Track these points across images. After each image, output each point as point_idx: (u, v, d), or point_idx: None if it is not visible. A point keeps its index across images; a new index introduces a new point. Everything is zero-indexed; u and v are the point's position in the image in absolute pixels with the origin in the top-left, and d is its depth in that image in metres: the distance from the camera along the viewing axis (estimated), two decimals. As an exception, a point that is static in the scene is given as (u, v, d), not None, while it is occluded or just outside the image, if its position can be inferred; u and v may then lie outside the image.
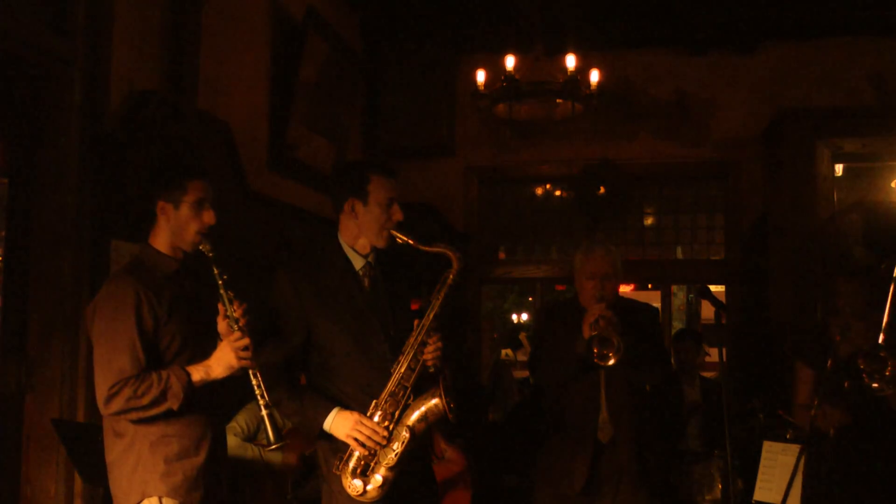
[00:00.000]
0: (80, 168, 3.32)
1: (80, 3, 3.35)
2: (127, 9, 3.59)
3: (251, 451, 3.88)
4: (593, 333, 3.19)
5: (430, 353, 2.64)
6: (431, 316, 2.65)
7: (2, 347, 3.26)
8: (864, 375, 2.97)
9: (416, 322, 2.67)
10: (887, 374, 2.94)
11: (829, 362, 3.22)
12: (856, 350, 3.06)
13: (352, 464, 2.62)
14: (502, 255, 7.21)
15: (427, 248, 2.69)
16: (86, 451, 2.94)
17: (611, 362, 3.17)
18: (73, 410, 3.26)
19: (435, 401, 2.62)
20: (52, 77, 3.33)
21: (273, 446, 2.53)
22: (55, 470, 3.24)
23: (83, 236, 3.32)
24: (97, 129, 3.38)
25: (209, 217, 2.59)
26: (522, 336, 10.05)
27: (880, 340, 2.97)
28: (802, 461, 3.27)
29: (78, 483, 3.25)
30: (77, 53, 3.34)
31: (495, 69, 5.03)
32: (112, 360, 2.42)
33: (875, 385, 2.96)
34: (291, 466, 3.89)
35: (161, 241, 2.59)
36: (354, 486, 2.60)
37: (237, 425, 3.90)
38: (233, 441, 3.64)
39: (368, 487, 2.60)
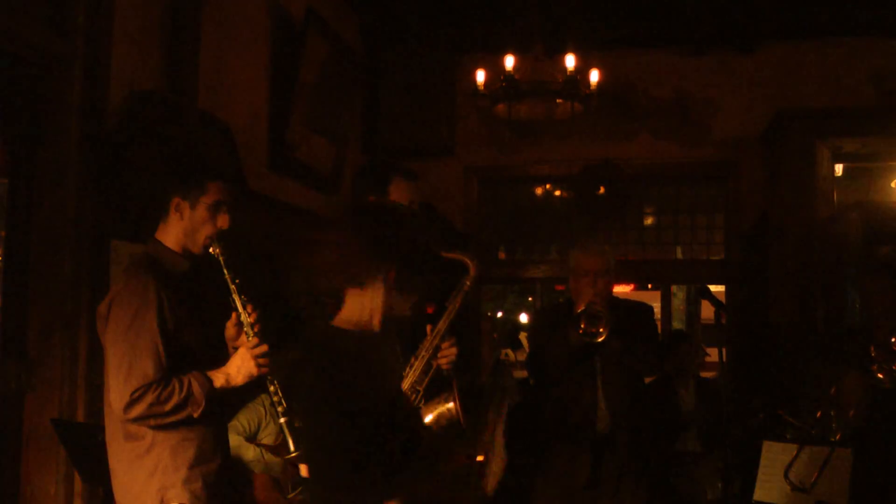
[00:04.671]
0: (79, 168, 3.32)
1: (80, 3, 3.35)
2: (127, 9, 3.58)
3: (252, 450, 3.87)
4: (582, 309, 3.25)
5: (444, 358, 2.65)
6: (447, 321, 2.66)
7: (2, 347, 3.26)
8: (873, 366, 2.97)
9: (429, 327, 2.67)
10: (895, 368, 2.94)
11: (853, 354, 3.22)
12: (871, 338, 3.06)
13: None
14: (502, 255, 7.21)
15: (444, 254, 2.70)
16: (86, 451, 2.93)
17: (600, 339, 3.22)
18: (73, 410, 3.25)
19: (449, 405, 2.62)
20: (52, 77, 3.32)
21: (293, 454, 2.46)
22: (55, 470, 3.23)
23: (83, 236, 3.31)
24: (97, 129, 3.38)
25: (224, 221, 2.52)
26: (522, 336, 10.03)
27: (893, 339, 2.97)
28: (849, 459, 3.26)
29: (78, 483, 3.24)
30: (77, 53, 3.34)
31: (495, 69, 5.03)
32: (134, 363, 2.31)
33: (880, 375, 2.96)
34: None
35: (171, 238, 2.51)
36: None
37: (238, 424, 3.89)
38: (234, 440, 3.64)
39: None
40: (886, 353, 2.95)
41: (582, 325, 3.24)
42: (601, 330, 3.23)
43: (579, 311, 3.27)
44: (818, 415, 3.88)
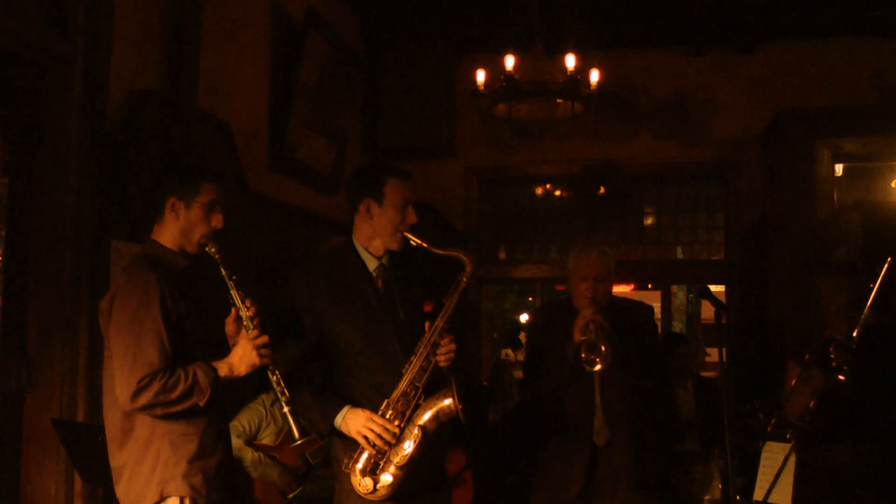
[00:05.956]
0: (80, 168, 3.32)
1: (80, 3, 3.35)
2: (127, 9, 3.59)
3: (252, 451, 3.88)
4: (582, 338, 3.21)
5: (442, 355, 2.67)
6: (445, 318, 2.68)
7: (2, 347, 3.26)
8: (832, 365, 2.95)
9: (427, 324, 2.69)
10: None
11: (807, 356, 3.20)
12: (830, 339, 3.03)
13: (361, 462, 2.64)
14: (502, 255, 7.21)
15: (440, 252, 2.72)
16: (86, 451, 2.94)
17: (597, 368, 3.19)
18: (73, 410, 3.26)
19: (447, 401, 2.64)
20: (52, 77, 3.33)
21: (299, 442, 2.51)
22: (55, 470, 3.24)
23: (83, 236, 3.32)
24: (97, 129, 3.38)
25: (217, 221, 2.57)
26: (522, 336, 10.04)
27: (855, 334, 2.95)
28: (793, 458, 3.28)
29: (78, 483, 3.25)
30: (77, 53, 3.34)
31: (495, 69, 5.03)
32: (139, 352, 2.34)
33: (841, 377, 2.94)
34: (292, 467, 3.90)
35: (167, 237, 2.55)
36: (364, 484, 2.62)
37: (238, 425, 3.90)
38: (234, 441, 3.64)
39: (378, 486, 2.62)
40: (847, 354, 2.93)
41: (582, 355, 3.22)
42: (598, 360, 3.20)
43: (580, 340, 3.24)
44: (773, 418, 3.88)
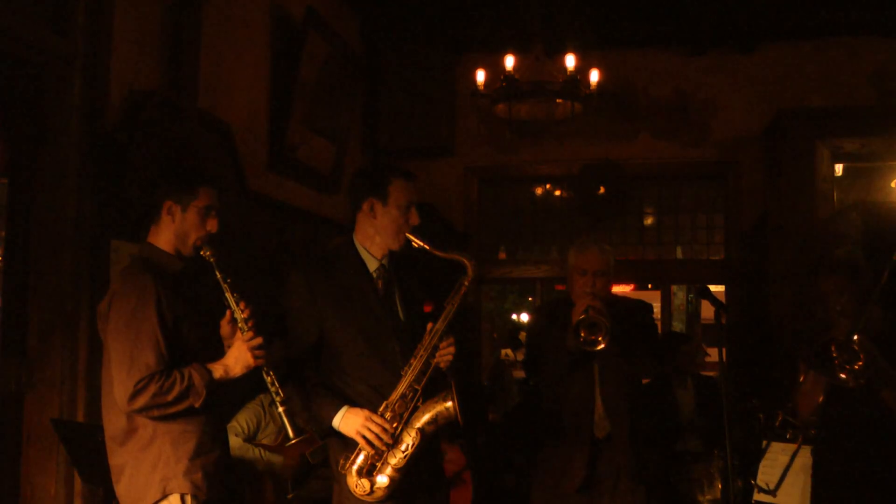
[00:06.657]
0: (80, 168, 3.32)
1: (80, 3, 3.35)
2: (127, 9, 3.58)
3: (252, 451, 3.88)
4: (581, 317, 3.20)
5: (443, 357, 2.67)
6: (446, 321, 2.68)
7: (2, 347, 3.26)
8: (835, 364, 2.93)
9: (429, 325, 2.69)
10: (857, 367, 2.90)
11: (813, 357, 3.18)
12: (831, 338, 3.02)
13: (358, 463, 2.64)
14: (502, 255, 7.21)
15: (442, 254, 2.72)
16: (86, 451, 2.94)
17: (599, 347, 3.17)
18: (73, 410, 3.26)
19: (447, 404, 2.64)
20: (52, 77, 3.32)
21: (293, 441, 2.54)
22: (55, 470, 3.24)
23: (83, 236, 3.32)
24: (97, 129, 3.38)
25: (213, 225, 2.61)
26: (522, 336, 10.05)
27: (855, 336, 2.94)
28: (809, 461, 3.27)
29: (78, 483, 3.24)
30: (77, 53, 3.34)
31: (495, 69, 5.03)
32: (136, 355, 2.38)
33: (842, 376, 2.92)
34: (292, 466, 3.89)
35: (163, 240, 2.59)
36: (361, 485, 2.62)
37: (238, 425, 3.90)
38: (234, 441, 3.64)
39: (375, 487, 2.62)
40: (848, 353, 2.91)
41: (581, 334, 3.21)
42: (600, 339, 3.19)
43: (578, 318, 3.22)
44: (780, 415, 3.87)
